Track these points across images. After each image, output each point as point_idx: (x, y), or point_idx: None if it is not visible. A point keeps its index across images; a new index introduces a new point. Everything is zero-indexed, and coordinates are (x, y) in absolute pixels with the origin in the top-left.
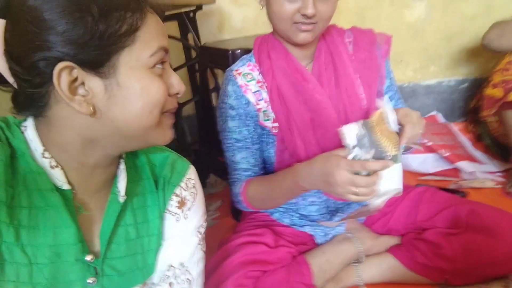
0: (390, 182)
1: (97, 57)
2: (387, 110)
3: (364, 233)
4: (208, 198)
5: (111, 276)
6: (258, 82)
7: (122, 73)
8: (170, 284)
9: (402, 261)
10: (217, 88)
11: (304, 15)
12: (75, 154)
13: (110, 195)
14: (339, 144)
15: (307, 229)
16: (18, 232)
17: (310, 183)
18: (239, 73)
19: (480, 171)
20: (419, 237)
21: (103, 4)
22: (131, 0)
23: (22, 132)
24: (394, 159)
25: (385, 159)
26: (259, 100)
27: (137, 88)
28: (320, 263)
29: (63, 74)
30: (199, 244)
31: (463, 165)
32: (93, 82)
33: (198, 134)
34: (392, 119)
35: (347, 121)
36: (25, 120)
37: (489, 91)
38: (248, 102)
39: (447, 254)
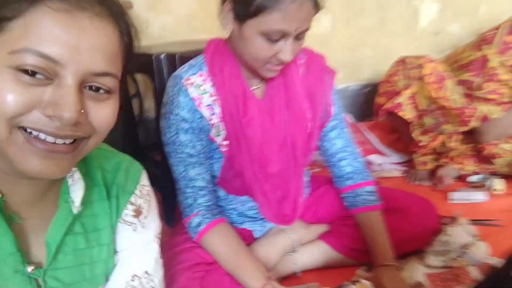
0: None
1: None
2: None
3: (296, 224)
4: None
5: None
6: (211, 95)
7: None
8: None
9: (332, 246)
10: (137, 95)
11: (280, 60)
12: None
13: (57, 203)
14: (277, 172)
15: (246, 226)
16: None
17: None
18: (191, 83)
19: (387, 163)
20: (344, 223)
21: None
22: None
23: None
24: None
25: None
26: (212, 115)
27: None
28: (259, 257)
29: None
30: (159, 249)
31: (373, 158)
32: None
33: (121, 142)
34: None
35: (293, 145)
36: None
37: (377, 99)
38: (202, 117)
39: None
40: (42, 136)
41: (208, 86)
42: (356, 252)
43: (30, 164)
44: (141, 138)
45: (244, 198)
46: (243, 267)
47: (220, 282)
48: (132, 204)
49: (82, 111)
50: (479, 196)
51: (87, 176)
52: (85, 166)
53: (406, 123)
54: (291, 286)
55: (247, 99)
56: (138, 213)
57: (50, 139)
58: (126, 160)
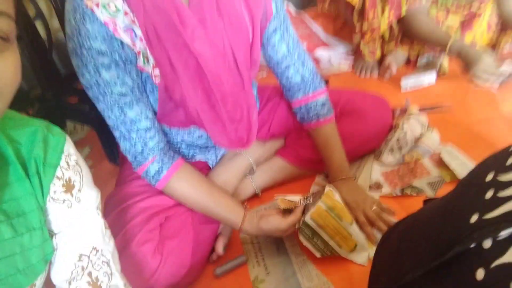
0: None
1: None
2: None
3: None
4: None
5: None
6: (126, 13)
7: None
8: (89, 274)
9: (289, 160)
10: (40, 15)
11: None
12: None
13: None
14: (229, 91)
15: (199, 158)
16: None
17: (258, 232)
18: (96, 4)
19: (335, 55)
20: (299, 135)
21: None
22: None
23: None
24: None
25: None
26: (134, 39)
27: None
28: (218, 185)
29: None
30: (103, 221)
31: (320, 53)
32: None
33: (35, 76)
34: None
35: (235, 59)
36: None
37: None
38: (122, 44)
39: None
40: None
41: (119, 3)
42: (314, 162)
43: None
44: (58, 66)
45: (190, 128)
46: (221, 204)
47: (183, 225)
48: (59, 178)
49: None
50: (429, 78)
51: None
52: None
53: (351, 9)
54: (255, 208)
55: (179, 9)
56: (69, 187)
57: None
58: (42, 127)
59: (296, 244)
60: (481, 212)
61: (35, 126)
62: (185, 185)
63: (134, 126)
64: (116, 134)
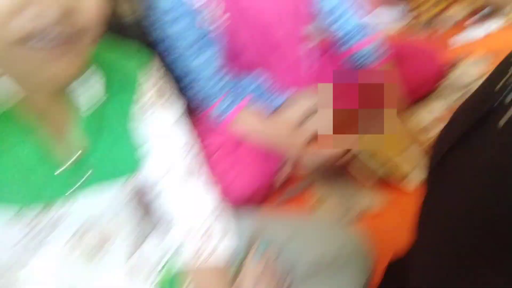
0: None
1: None
2: None
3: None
4: None
5: (98, 168)
6: None
7: None
8: (183, 164)
9: None
10: None
11: None
12: None
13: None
14: (279, 40)
15: (262, 102)
16: None
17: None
18: None
19: (389, 15)
20: None
21: None
22: None
23: None
24: None
25: None
26: None
27: None
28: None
29: None
30: (187, 128)
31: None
32: None
33: None
34: None
35: (290, 11)
36: None
37: None
38: (185, 2)
39: None
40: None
41: None
42: None
43: (55, 66)
44: None
45: (254, 73)
46: (281, 133)
47: (251, 152)
48: (147, 91)
49: None
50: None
51: (103, 68)
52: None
53: None
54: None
55: None
56: (161, 94)
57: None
58: (132, 48)
59: (352, 174)
60: (504, 80)
61: (125, 48)
62: (249, 120)
63: (205, 68)
64: (188, 79)
